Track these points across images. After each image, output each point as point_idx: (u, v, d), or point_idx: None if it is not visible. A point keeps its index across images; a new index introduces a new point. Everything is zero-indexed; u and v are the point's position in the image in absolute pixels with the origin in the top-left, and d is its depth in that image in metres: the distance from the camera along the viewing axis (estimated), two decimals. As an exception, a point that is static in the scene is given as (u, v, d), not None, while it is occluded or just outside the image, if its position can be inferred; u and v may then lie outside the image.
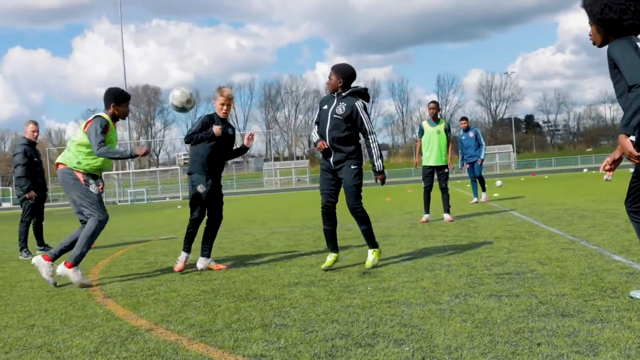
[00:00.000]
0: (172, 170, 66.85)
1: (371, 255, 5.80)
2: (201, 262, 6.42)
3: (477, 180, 14.37)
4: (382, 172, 5.87)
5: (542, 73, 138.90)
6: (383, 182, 5.89)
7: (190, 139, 6.27)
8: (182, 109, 6.26)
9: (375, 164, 5.81)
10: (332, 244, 5.97)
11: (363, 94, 5.94)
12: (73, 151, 6.00)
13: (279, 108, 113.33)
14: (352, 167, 5.78)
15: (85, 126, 5.96)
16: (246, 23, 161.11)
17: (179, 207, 27.19)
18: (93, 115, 6.06)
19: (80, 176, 5.91)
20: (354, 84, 5.99)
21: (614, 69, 3.69)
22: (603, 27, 3.77)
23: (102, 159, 6.00)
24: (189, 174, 6.40)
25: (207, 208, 6.44)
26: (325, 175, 5.94)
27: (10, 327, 4.31)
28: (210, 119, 6.36)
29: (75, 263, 5.73)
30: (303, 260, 6.63)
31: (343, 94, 5.88)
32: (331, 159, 5.85)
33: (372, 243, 5.87)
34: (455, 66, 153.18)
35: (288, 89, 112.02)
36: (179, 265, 6.35)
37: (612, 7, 3.67)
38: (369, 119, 5.88)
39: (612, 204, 11.22)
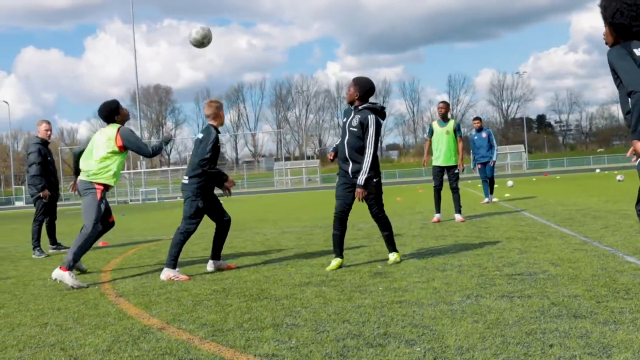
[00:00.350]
0: (184, 170, 67.10)
1: (393, 256, 6.15)
2: (211, 265, 6.40)
3: (488, 180, 14.31)
4: (361, 187, 5.79)
5: (554, 72, 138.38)
6: (360, 198, 5.82)
7: (208, 167, 6.08)
8: (201, 44, 6.58)
9: (359, 177, 5.82)
10: (339, 249, 6.06)
11: (379, 111, 6.05)
12: (105, 165, 6.26)
13: (289, 107, 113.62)
14: (375, 180, 5.93)
15: (117, 139, 6.28)
16: (257, 23, 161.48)
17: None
18: (115, 128, 6.36)
19: (99, 192, 6.22)
20: (371, 99, 6.16)
21: (615, 73, 3.83)
22: (614, 30, 3.90)
23: (120, 168, 6.42)
24: (190, 191, 6.16)
25: (214, 216, 6.39)
26: (342, 182, 6.05)
27: (23, 325, 4.34)
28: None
29: (69, 267, 5.86)
30: (314, 260, 6.63)
31: (360, 107, 6.01)
32: (349, 169, 5.96)
33: (394, 248, 6.20)
34: (467, 66, 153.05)
35: (299, 89, 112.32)
36: (183, 277, 5.94)
37: (623, 13, 3.80)
38: (376, 135, 5.92)
39: (624, 204, 11.14)
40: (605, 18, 3.93)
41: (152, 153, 6.44)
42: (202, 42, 6.58)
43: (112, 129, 6.37)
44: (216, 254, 6.41)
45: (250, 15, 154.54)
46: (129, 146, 6.33)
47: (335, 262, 6.00)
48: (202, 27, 6.59)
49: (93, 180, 6.22)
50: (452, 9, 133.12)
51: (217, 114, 6.32)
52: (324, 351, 3.24)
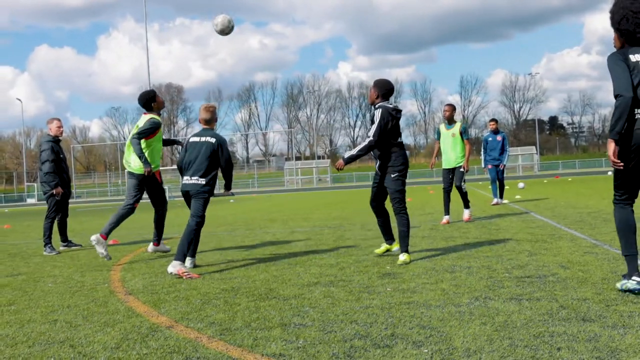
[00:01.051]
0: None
1: (403, 256, 6.18)
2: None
3: (498, 182, 14.23)
4: (343, 161, 6.16)
5: (567, 74, 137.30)
6: (337, 168, 6.20)
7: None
8: (222, 32, 7.44)
9: (347, 153, 6.30)
10: (386, 235, 6.64)
11: (392, 109, 6.25)
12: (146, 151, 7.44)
13: (301, 107, 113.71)
14: (392, 175, 6.25)
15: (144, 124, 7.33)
16: (269, 22, 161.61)
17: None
18: (150, 116, 7.37)
19: (157, 176, 7.50)
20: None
21: None
22: (620, 35, 4.21)
23: (157, 151, 7.52)
24: (207, 191, 6.37)
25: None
26: (376, 177, 6.48)
27: (33, 322, 4.38)
28: None
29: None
30: (323, 260, 6.64)
31: (376, 106, 6.31)
32: (376, 165, 6.39)
33: (405, 248, 6.25)
34: (479, 66, 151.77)
35: (310, 88, 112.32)
36: (194, 275, 5.95)
37: (629, 19, 4.12)
38: (380, 128, 6.12)
39: (636, 208, 11.04)
40: (613, 24, 4.23)
41: (130, 139, 7.22)
42: (225, 32, 7.36)
43: (143, 119, 7.36)
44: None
45: (263, 14, 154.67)
46: (140, 129, 7.26)
47: (384, 247, 6.66)
48: (223, 21, 7.33)
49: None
50: (464, 9, 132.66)
51: (215, 119, 6.65)
52: (331, 351, 3.25)
